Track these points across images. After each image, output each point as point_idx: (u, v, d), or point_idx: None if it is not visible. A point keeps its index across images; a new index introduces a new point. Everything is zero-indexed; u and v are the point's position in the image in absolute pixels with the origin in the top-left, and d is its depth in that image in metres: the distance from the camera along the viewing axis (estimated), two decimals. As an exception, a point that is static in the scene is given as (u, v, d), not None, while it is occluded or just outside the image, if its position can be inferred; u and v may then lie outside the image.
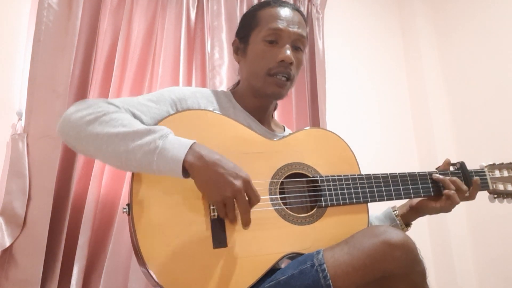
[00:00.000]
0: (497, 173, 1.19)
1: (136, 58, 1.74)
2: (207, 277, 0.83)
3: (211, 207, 0.87)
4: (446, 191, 1.07)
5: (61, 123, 0.88)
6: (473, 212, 2.17)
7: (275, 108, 1.24)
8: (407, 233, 1.06)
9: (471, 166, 1.17)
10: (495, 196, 1.18)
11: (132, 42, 1.75)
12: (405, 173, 1.08)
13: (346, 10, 2.47)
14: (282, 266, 0.92)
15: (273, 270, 0.89)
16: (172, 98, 1.01)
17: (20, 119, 1.49)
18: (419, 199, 1.12)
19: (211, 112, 0.99)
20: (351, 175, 1.03)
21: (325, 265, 0.80)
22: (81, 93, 1.61)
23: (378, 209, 1.17)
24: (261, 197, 0.84)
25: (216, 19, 1.92)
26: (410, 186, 1.07)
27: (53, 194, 1.43)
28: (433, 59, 2.51)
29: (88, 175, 1.57)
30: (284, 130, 1.24)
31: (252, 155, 0.97)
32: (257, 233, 0.90)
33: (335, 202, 0.99)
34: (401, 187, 1.06)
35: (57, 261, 1.42)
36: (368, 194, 1.03)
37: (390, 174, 1.07)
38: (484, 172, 1.18)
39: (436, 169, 1.15)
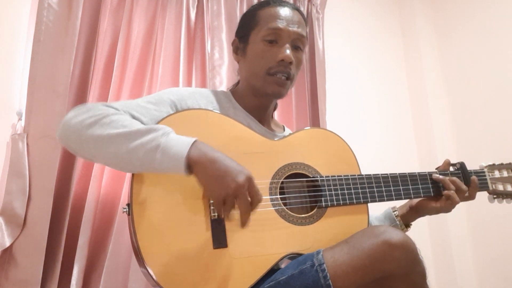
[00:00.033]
0: (496, 174, 1.20)
1: (136, 58, 1.74)
2: (207, 277, 0.83)
3: (211, 207, 0.87)
4: (446, 191, 1.07)
5: (61, 128, 0.87)
6: (473, 212, 2.17)
7: (275, 108, 1.24)
8: (407, 233, 1.06)
9: (471, 166, 1.17)
10: (495, 196, 1.18)
11: (132, 42, 1.75)
12: (405, 173, 1.08)
13: (346, 10, 2.47)
14: (282, 266, 0.92)
15: (273, 270, 0.89)
16: (171, 99, 1.00)
17: (20, 119, 1.49)
18: (419, 199, 1.12)
19: (211, 112, 0.99)
20: (351, 176, 1.03)
21: (325, 265, 0.80)
22: (81, 93, 1.61)
23: (378, 209, 1.17)
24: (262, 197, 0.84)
25: (216, 19, 1.92)
26: (410, 187, 1.07)
27: (53, 194, 1.43)
28: (433, 59, 2.51)
29: (88, 175, 1.57)
30: (284, 130, 1.24)
31: (252, 155, 0.97)
32: (257, 233, 0.90)
33: (335, 203, 0.99)
34: (401, 188, 1.06)
35: (57, 261, 1.42)
36: (368, 195, 1.03)
37: (390, 174, 1.07)
38: (483, 172, 1.18)
39: (436, 169, 1.15)
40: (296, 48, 1.07)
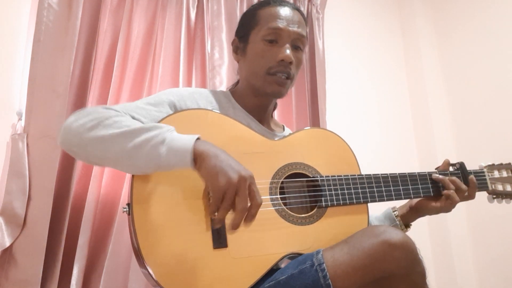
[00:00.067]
0: (496, 174, 1.20)
1: (136, 58, 1.74)
2: (207, 277, 0.83)
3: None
4: (445, 191, 1.07)
5: (62, 133, 0.86)
6: (473, 212, 2.17)
7: (274, 108, 1.24)
8: (407, 233, 1.06)
9: (471, 166, 1.17)
10: (494, 196, 1.18)
11: (132, 42, 1.75)
12: (405, 173, 1.08)
13: (346, 10, 2.47)
14: (282, 266, 0.92)
15: (273, 270, 0.89)
16: (171, 100, 1.00)
17: (20, 119, 1.49)
18: (419, 199, 1.12)
19: (211, 112, 0.99)
20: (351, 175, 1.03)
21: (324, 264, 0.80)
22: (81, 93, 1.61)
23: (378, 209, 1.17)
24: (262, 197, 0.84)
25: (216, 19, 1.92)
26: (410, 187, 1.08)
27: (53, 194, 1.43)
28: (433, 59, 2.51)
29: (88, 175, 1.57)
30: (284, 129, 1.24)
31: (252, 155, 0.97)
32: (257, 233, 0.90)
33: (335, 202, 0.99)
34: (401, 188, 1.06)
35: (57, 261, 1.42)
36: (368, 195, 1.03)
37: (390, 174, 1.07)
38: (483, 172, 1.18)
39: (436, 169, 1.15)
40: (296, 48, 1.07)
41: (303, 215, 0.96)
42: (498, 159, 1.26)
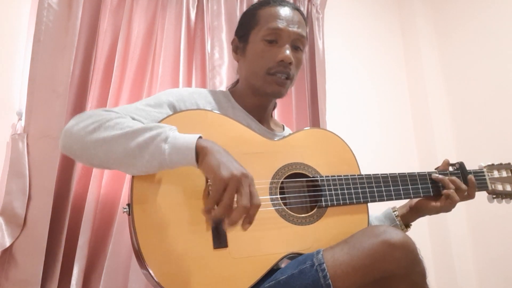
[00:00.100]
0: (496, 174, 1.20)
1: (136, 58, 1.74)
2: (207, 277, 0.83)
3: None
4: (445, 191, 1.07)
5: (63, 137, 0.86)
6: (473, 212, 2.17)
7: (274, 107, 1.24)
8: (407, 233, 1.06)
9: (471, 166, 1.17)
10: (494, 196, 1.18)
11: (132, 42, 1.75)
12: (405, 173, 1.08)
13: (346, 10, 2.47)
14: (282, 266, 0.92)
15: (273, 270, 0.89)
16: (170, 100, 1.00)
17: (20, 119, 1.49)
18: (419, 199, 1.12)
19: (211, 112, 0.99)
20: (351, 175, 1.03)
21: (324, 264, 0.81)
22: (81, 93, 1.61)
23: (378, 209, 1.17)
24: (262, 197, 0.84)
25: (216, 19, 1.92)
26: (409, 186, 1.08)
27: (53, 194, 1.43)
28: (433, 59, 2.51)
29: (88, 175, 1.57)
30: (284, 129, 1.24)
31: (252, 155, 0.97)
32: (257, 233, 0.90)
33: (335, 202, 0.99)
34: (401, 188, 1.07)
35: (57, 261, 1.42)
36: (368, 195, 1.03)
37: (390, 174, 1.07)
38: (483, 172, 1.18)
39: (435, 169, 1.15)
40: (296, 48, 1.07)
41: (303, 215, 0.97)
42: (498, 159, 1.26)
